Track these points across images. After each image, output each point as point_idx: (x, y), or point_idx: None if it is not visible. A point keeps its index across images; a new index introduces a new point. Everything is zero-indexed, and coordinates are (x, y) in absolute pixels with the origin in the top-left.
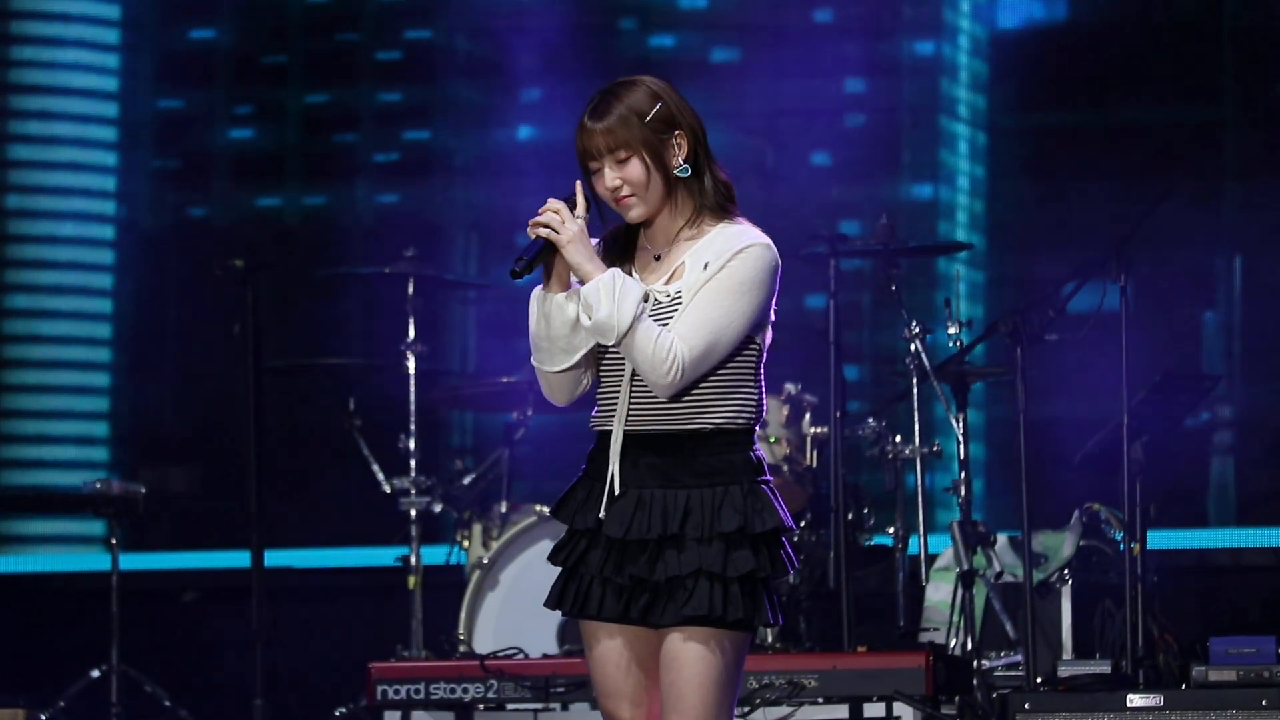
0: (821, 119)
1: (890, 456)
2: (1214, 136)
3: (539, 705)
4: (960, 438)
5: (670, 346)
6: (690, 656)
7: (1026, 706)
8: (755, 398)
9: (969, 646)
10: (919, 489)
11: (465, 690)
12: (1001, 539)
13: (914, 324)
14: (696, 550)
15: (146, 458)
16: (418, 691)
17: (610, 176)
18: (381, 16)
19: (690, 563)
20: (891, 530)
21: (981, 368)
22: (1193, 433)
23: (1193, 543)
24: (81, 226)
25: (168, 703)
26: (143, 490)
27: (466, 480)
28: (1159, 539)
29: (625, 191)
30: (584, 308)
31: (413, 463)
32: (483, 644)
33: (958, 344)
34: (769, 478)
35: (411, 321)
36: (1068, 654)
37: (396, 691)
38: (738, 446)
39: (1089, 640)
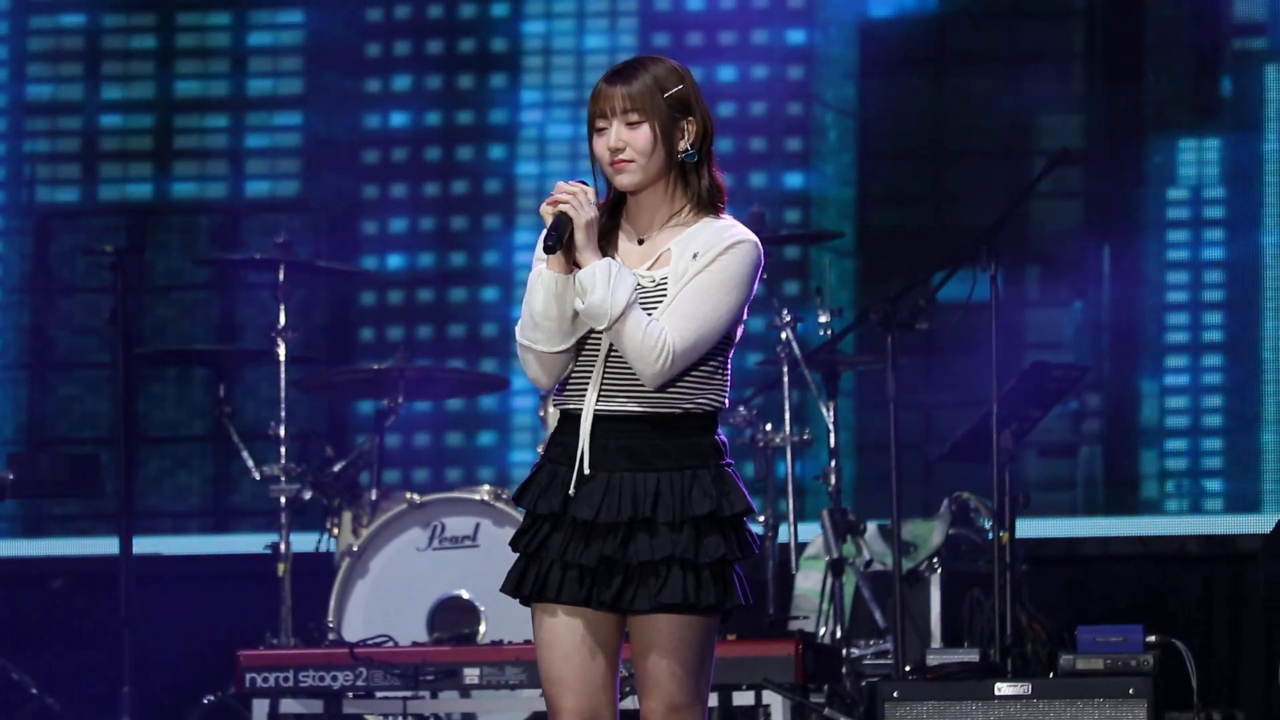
0: None
1: (760, 445)
2: (1082, 126)
3: (408, 693)
4: (830, 426)
5: (661, 335)
6: (666, 643)
7: (895, 695)
8: (724, 383)
9: (838, 635)
10: (789, 477)
11: (334, 678)
12: (871, 527)
13: (785, 312)
14: (668, 535)
15: (16, 443)
16: (286, 679)
17: (615, 135)
18: (249, 2)
19: (663, 548)
20: (761, 518)
21: (852, 356)
22: (1062, 421)
23: (1061, 532)
24: None
25: (34, 690)
26: (10, 476)
27: (336, 468)
28: (1028, 528)
29: (627, 155)
30: (578, 290)
31: (283, 450)
32: (352, 632)
33: (828, 332)
34: (731, 460)
35: (282, 308)
36: (936, 642)
37: (265, 679)
38: (706, 430)
39: (958, 629)
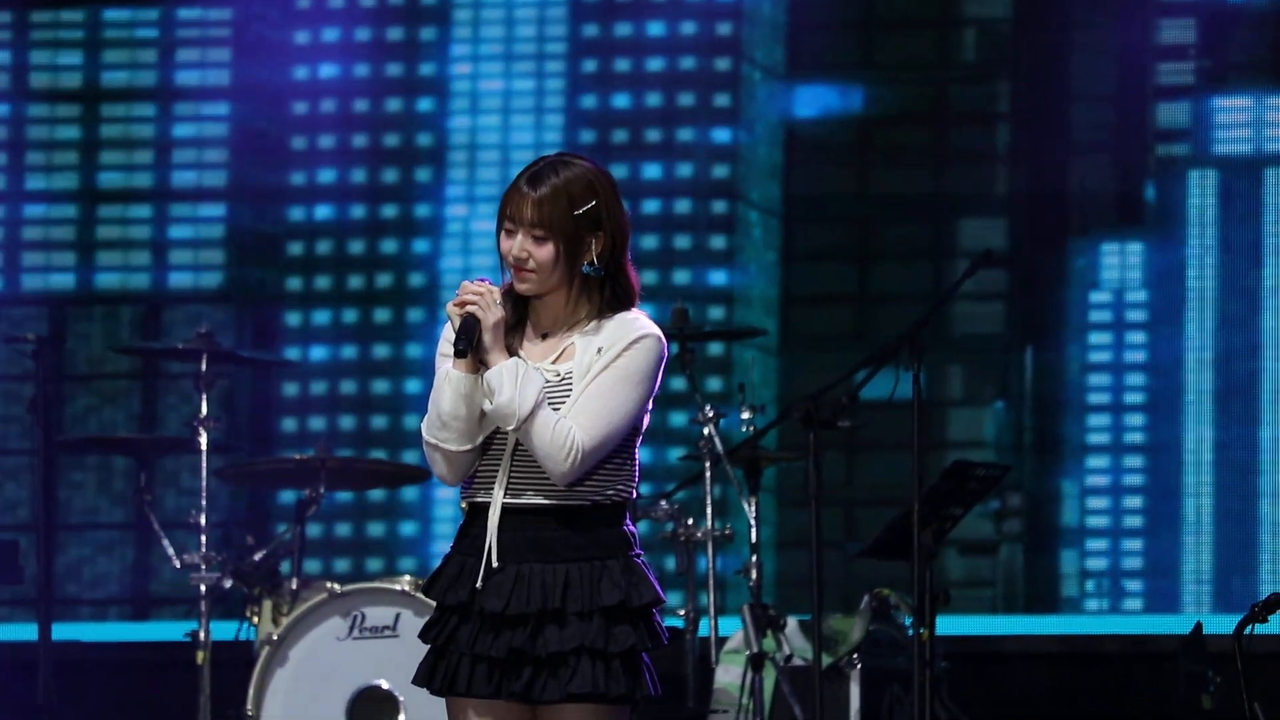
0: None
1: (682, 539)
2: (1005, 228)
3: None
4: (752, 521)
5: (569, 435)
6: None
7: None
8: (631, 473)
9: None
10: (710, 571)
11: None
12: (792, 622)
13: (707, 408)
14: (578, 626)
15: None
16: None
17: (520, 245)
18: (173, 95)
19: (572, 639)
20: (682, 612)
21: (774, 452)
22: (983, 520)
23: (981, 629)
24: None
25: None
26: None
27: (257, 556)
28: (948, 625)
29: (529, 266)
30: (486, 391)
31: (203, 538)
32: None
33: (750, 429)
34: (640, 551)
35: (204, 398)
36: None
37: None
38: (614, 521)
39: None
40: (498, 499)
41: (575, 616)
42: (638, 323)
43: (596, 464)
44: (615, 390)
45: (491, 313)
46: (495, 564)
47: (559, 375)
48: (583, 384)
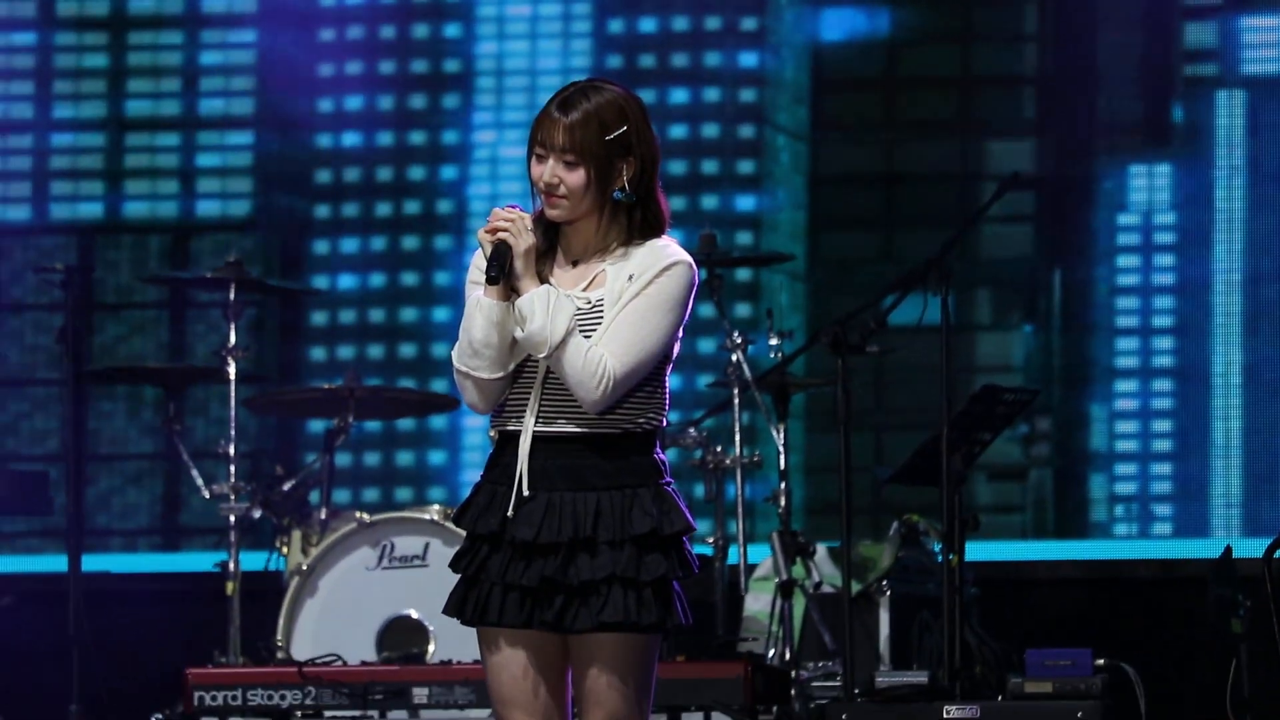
0: None
1: (711, 466)
2: (1032, 150)
3: (357, 712)
4: (780, 448)
5: (600, 361)
6: (608, 661)
7: (844, 717)
8: (662, 401)
9: (787, 657)
10: (739, 499)
11: (283, 697)
12: (821, 549)
13: (735, 334)
14: (609, 555)
15: None
16: (234, 698)
17: (551, 171)
18: (200, 21)
19: (604, 567)
20: (710, 540)
21: (802, 378)
22: (1011, 445)
23: (1011, 555)
24: None
25: None
26: None
27: (286, 486)
28: (977, 551)
29: (560, 192)
30: (517, 319)
31: (232, 468)
32: (301, 651)
33: (779, 355)
34: (671, 479)
35: (232, 327)
36: (886, 665)
37: (214, 698)
38: (645, 449)
39: (907, 651)
40: (529, 427)
41: (606, 545)
42: (669, 249)
43: (628, 391)
44: (647, 317)
45: (523, 239)
46: (526, 492)
47: (590, 303)
48: (614, 311)
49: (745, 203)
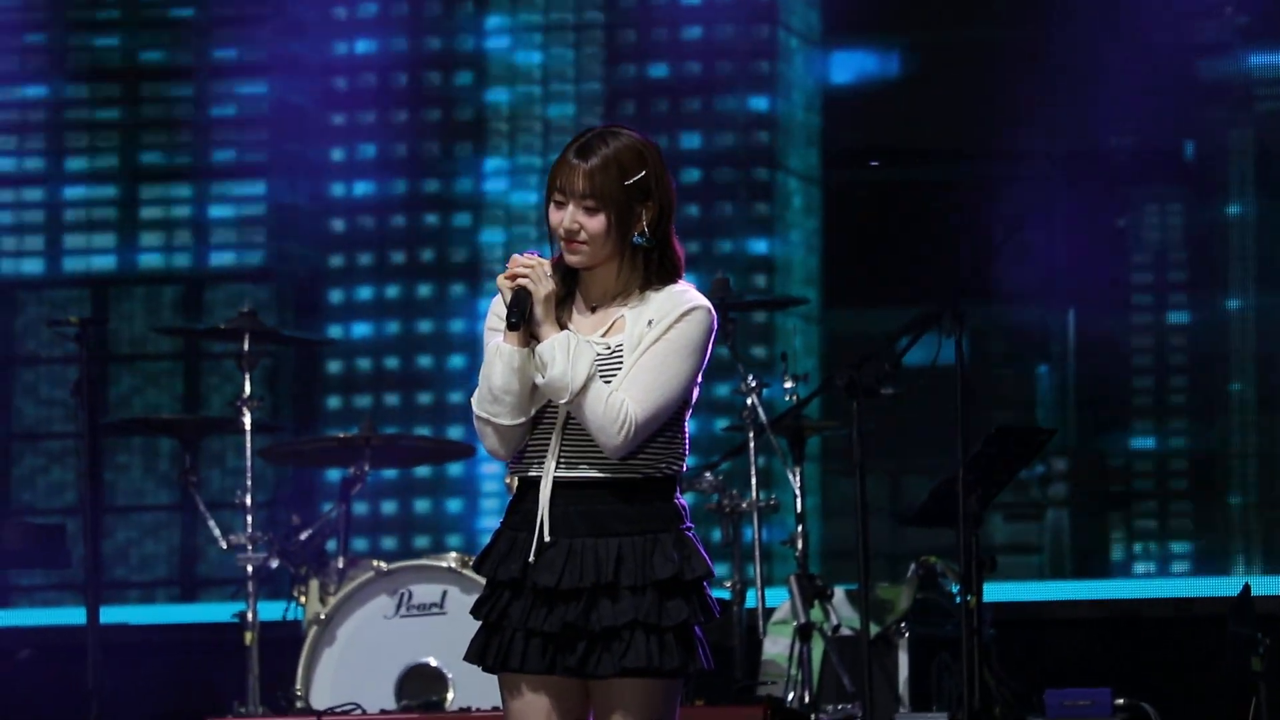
0: None
1: (727, 510)
2: (1045, 189)
3: None
4: (797, 491)
5: (621, 407)
6: (631, 706)
7: None
8: (682, 446)
9: (807, 700)
10: (756, 542)
11: None
12: (839, 592)
13: (750, 378)
14: (631, 600)
15: None
16: None
17: (571, 217)
18: (212, 72)
19: (626, 613)
20: (729, 584)
21: (817, 421)
22: (1028, 485)
23: (1028, 595)
24: None
25: None
26: None
27: (303, 536)
28: (995, 591)
29: (581, 238)
30: (538, 365)
31: (249, 518)
32: (320, 700)
33: (794, 398)
34: (691, 524)
35: (247, 377)
36: (905, 707)
37: None
38: (666, 494)
39: (926, 693)
40: (550, 472)
41: (628, 591)
42: (687, 295)
43: (649, 436)
44: (667, 362)
45: (543, 285)
46: (548, 538)
47: (609, 348)
48: (634, 356)
49: (758, 246)
